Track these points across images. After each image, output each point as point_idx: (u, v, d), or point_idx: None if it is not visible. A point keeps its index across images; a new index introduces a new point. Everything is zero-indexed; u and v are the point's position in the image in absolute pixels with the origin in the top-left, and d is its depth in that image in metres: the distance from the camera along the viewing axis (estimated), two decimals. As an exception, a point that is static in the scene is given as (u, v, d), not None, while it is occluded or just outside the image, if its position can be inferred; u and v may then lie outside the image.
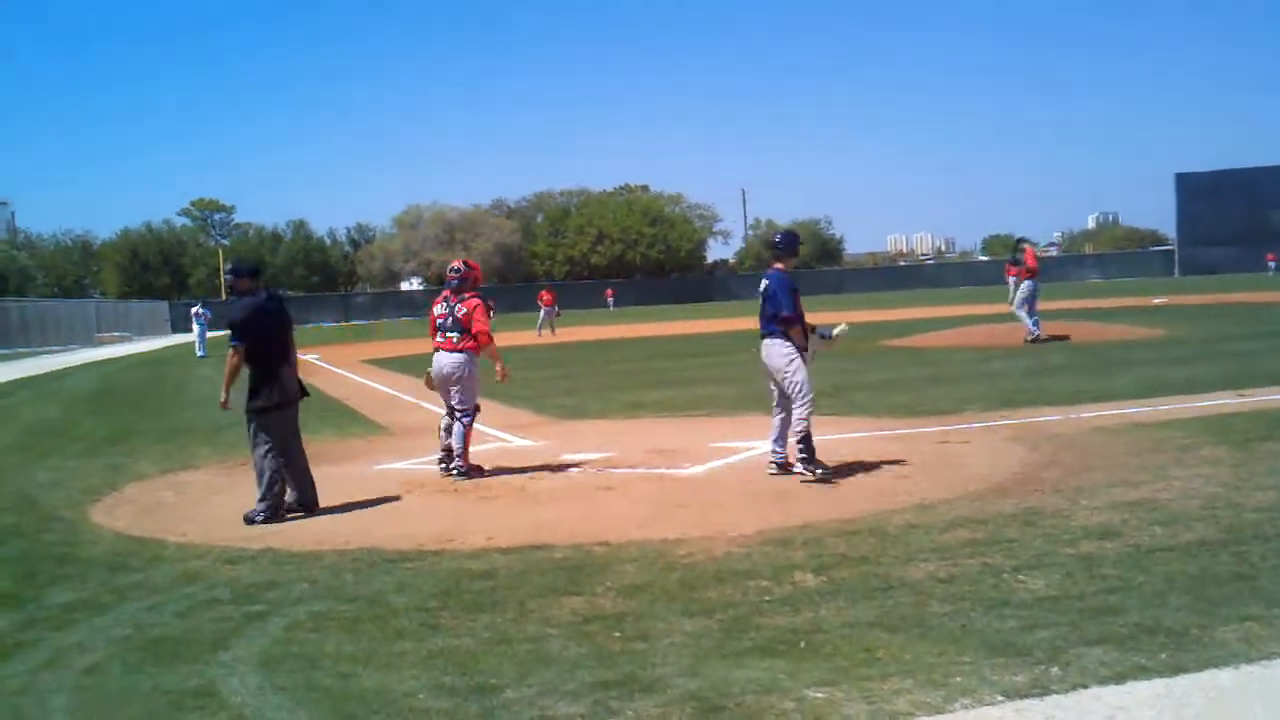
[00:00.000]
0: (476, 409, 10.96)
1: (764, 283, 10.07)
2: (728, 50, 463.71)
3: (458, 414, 10.79)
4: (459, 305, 10.80)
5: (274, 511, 9.27)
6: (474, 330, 10.70)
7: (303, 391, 9.73)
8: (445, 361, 10.75)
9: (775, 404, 10.08)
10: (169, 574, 7.63)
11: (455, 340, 10.73)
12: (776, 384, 9.98)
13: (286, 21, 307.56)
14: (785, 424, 9.92)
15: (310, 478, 9.56)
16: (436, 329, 10.91)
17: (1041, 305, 25.74)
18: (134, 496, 11.01)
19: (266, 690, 5.18)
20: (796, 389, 9.74)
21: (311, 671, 5.41)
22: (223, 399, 9.76)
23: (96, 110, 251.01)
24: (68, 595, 7.20)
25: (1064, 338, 24.86)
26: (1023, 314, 24.76)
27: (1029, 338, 24.26)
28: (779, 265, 10.09)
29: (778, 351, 9.86)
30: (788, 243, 10.37)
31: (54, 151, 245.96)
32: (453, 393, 10.81)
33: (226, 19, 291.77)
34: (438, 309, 10.94)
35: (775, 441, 10.05)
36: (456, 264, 11.19)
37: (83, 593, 7.24)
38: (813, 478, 9.53)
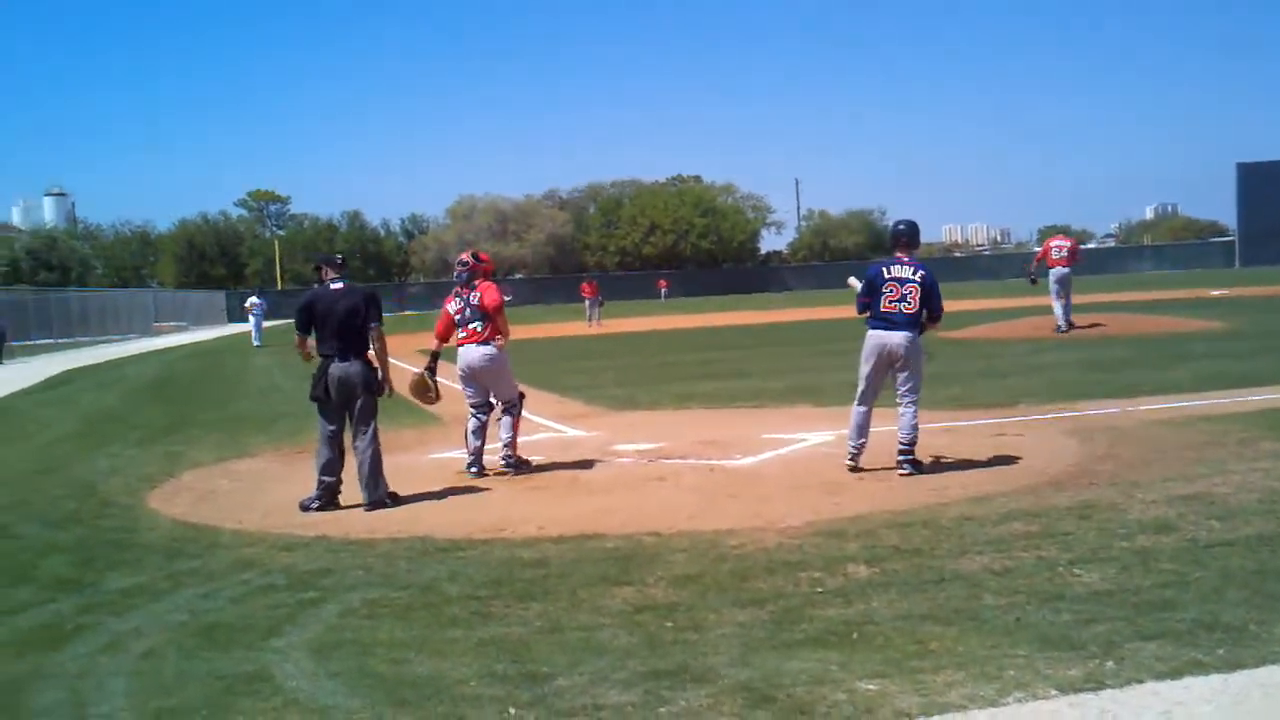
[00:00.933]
0: (521, 396, 10.75)
1: (915, 271, 9.58)
2: (781, 39, 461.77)
3: (504, 406, 10.53)
4: (473, 294, 10.43)
5: (324, 500, 9.34)
6: (485, 303, 10.33)
7: (365, 388, 9.39)
8: (475, 355, 10.36)
9: (865, 398, 9.73)
10: (225, 560, 7.72)
11: (480, 330, 10.35)
12: (894, 378, 9.67)
13: (342, 14, 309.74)
14: (869, 418, 9.70)
15: (364, 473, 9.32)
16: (455, 324, 10.49)
17: (1096, 297, 25.62)
18: (191, 484, 11.14)
19: (320, 676, 5.23)
20: (919, 386, 9.70)
21: (364, 658, 5.46)
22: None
23: (155, 103, 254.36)
24: (126, 581, 7.30)
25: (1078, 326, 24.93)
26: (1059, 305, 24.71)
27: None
28: (902, 255, 9.76)
29: (919, 349, 9.66)
30: (913, 231, 10.02)
31: (114, 144, 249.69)
32: (491, 389, 10.49)
33: (283, 12, 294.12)
34: (451, 305, 10.54)
35: (856, 434, 9.70)
36: (464, 256, 10.75)
37: (140, 578, 7.34)
38: (912, 474, 9.43)
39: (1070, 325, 24.56)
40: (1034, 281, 25.31)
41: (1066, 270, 24.37)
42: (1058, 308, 24.62)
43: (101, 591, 7.08)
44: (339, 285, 9.54)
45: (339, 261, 9.88)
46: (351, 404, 9.38)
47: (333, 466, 9.42)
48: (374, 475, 9.30)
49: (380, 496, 9.29)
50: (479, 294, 10.40)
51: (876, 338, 9.61)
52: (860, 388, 9.76)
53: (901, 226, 10.08)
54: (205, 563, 7.70)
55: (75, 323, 58.59)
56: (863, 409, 9.72)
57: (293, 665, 5.40)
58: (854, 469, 9.66)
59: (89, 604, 6.79)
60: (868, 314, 9.71)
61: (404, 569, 7.21)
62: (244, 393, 22.81)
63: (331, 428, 9.47)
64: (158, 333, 67.28)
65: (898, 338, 9.53)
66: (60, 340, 53.01)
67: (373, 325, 9.39)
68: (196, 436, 15.04)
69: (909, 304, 9.53)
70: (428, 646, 5.58)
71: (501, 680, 5.03)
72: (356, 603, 6.47)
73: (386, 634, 5.83)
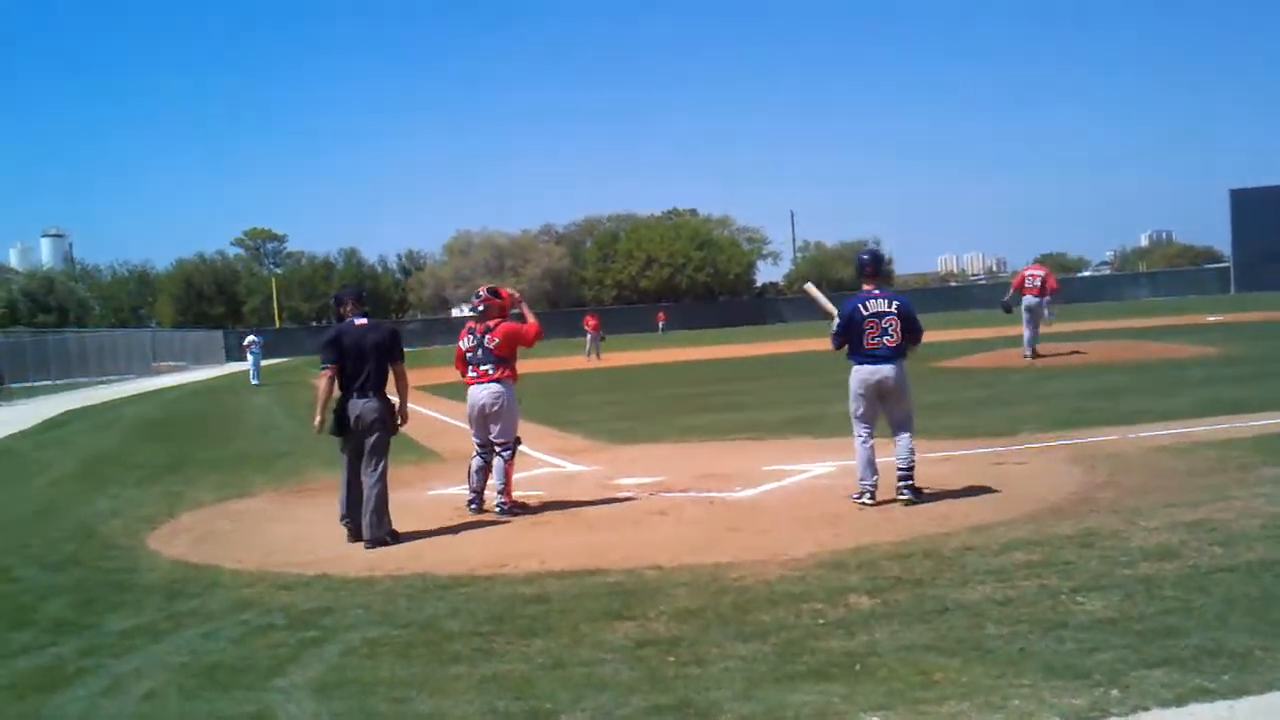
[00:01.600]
0: (518, 441, 10.53)
1: (890, 303, 9.63)
2: (774, 71, 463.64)
3: (498, 449, 10.32)
4: (488, 336, 10.28)
5: (350, 534, 9.45)
6: (529, 338, 10.35)
7: (382, 424, 9.45)
8: (482, 395, 10.23)
9: (867, 432, 9.70)
10: (225, 601, 7.70)
11: (490, 372, 10.22)
12: (886, 409, 9.73)
13: (336, 51, 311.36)
14: (874, 452, 9.65)
15: (369, 509, 9.35)
16: (465, 363, 10.42)
17: (1092, 324, 25.96)
18: (190, 524, 11.12)
19: (322, 716, 5.22)
20: (912, 412, 9.83)
21: (366, 697, 5.44)
22: (315, 420, 9.68)
23: (151, 144, 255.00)
24: (126, 622, 7.28)
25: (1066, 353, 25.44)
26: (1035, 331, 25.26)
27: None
28: (870, 286, 9.79)
29: (905, 375, 9.72)
30: (877, 260, 10.13)
31: (110, 185, 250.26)
32: (492, 427, 10.31)
33: (278, 51, 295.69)
34: (464, 342, 10.44)
35: (867, 470, 9.64)
36: (482, 291, 10.64)
37: (140, 619, 7.32)
38: (913, 500, 9.46)
39: (1034, 354, 25.03)
40: (1008, 310, 25.71)
41: (1036, 300, 24.82)
42: (1025, 335, 25.16)
43: (102, 633, 7.06)
44: (363, 320, 9.60)
45: (362, 296, 9.91)
46: (366, 440, 9.41)
47: (354, 509, 9.49)
48: (378, 513, 9.32)
49: (382, 535, 9.29)
50: (496, 339, 10.25)
51: (864, 373, 9.62)
52: (857, 425, 9.76)
53: (866, 257, 10.14)
54: (205, 603, 7.68)
55: (74, 364, 58.59)
56: (867, 445, 9.67)
57: (295, 705, 5.38)
58: (875, 504, 9.54)
59: (89, 646, 6.77)
60: (845, 349, 9.71)
61: (404, 607, 7.19)
62: (243, 432, 22.82)
63: (351, 463, 9.54)
64: (156, 372, 67.27)
65: (886, 370, 9.58)
66: (59, 381, 53.01)
67: (397, 362, 9.48)
68: (196, 476, 15.02)
69: (891, 337, 9.58)
70: (429, 684, 5.57)
71: (504, 717, 5.02)
72: (357, 641, 6.45)
73: (388, 672, 5.81)
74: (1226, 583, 6.41)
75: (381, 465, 9.42)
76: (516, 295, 10.76)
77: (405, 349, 9.94)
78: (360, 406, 9.38)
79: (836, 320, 9.82)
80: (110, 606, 7.77)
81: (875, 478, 9.60)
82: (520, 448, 10.73)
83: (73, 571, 9.16)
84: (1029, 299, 24.71)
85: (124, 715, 5.43)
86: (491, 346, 10.24)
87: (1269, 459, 10.28)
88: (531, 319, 10.56)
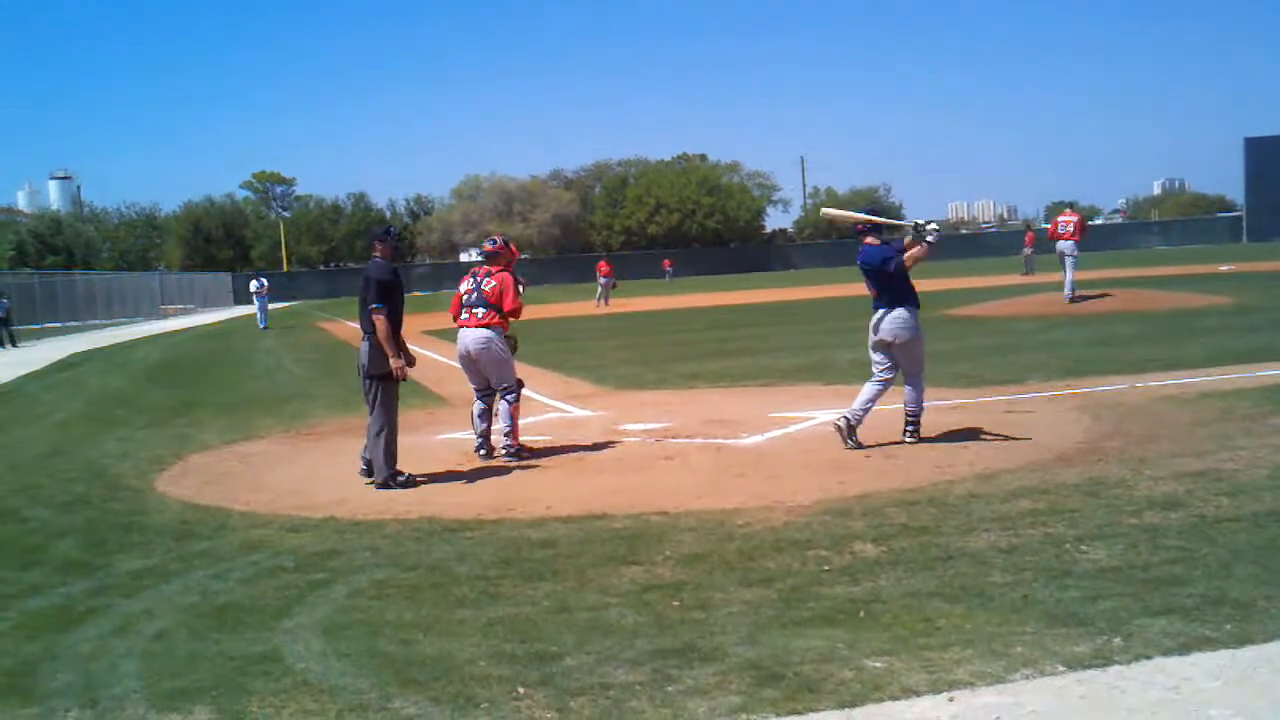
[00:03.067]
0: (520, 384, 10.55)
1: (882, 260, 9.89)
2: (785, 15, 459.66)
3: (501, 393, 10.35)
4: (486, 280, 10.32)
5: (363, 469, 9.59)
6: (506, 308, 10.23)
7: (364, 368, 9.50)
8: (470, 339, 10.20)
9: (882, 373, 9.95)
10: (234, 542, 7.75)
11: (480, 315, 10.19)
12: (893, 355, 9.91)
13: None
14: (879, 394, 9.89)
15: (373, 451, 9.51)
16: (461, 305, 10.41)
17: (1106, 273, 26.07)
18: (199, 466, 11.17)
19: (329, 656, 5.25)
20: (922, 362, 10.03)
21: (373, 638, 5.48)
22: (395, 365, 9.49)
23: (160, 85, 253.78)
24: (136, 563, 7.33)
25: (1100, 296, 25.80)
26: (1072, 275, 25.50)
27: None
28: (873, 240, 10.04)
29: (906, 323, 9.86)
30: (875, 224, 10.27)
31: (119, 126, 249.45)
32: (488, 372, 10.32)
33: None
34: (464, 285, 10.48)
35: (857, 406, 9.86)
36: (497, 237, 10.74)
37: (150, 561, 7.37)
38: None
39: (1075, 298, 25.23)
40: (1028, 272, 25.69)
41: (1071, 244, 24.87)
42: (1068, 279, 25.33)
43: (112, 574, 7.10)
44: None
45: (376, 237, 9.88)
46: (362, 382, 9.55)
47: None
48: (376, 457, 9.39)
49: (385, 478, 9.33)
50: (493, 282, 10.28)
51: (874, 319, 9.95)
52: (873, 366, 10.03)
53: (863, 228, 10.25)
54: (214, 544, 7.72)
55: (82, 306, 58.60)
56: (876, 385, 9.93)
57: (302, 646, 5.42)
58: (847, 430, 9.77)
59: (100, 586, 6.82)
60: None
61: (412, 549, 7.22)
62: (251, 375, 22.86)
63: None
64: (164, 315, 67.40)
65: (885, 322, 9.85)
66: (68, 324, 53.04)
67: (372, 307, 9.36)
68: (204, 419, 15.06)
69: (878, 288, 9.93)
70: (436, 627, 5.60)
71: (510, 660, 5.05)
72: (365, 583, 6.49)
73: (395, 615, 5.85)
74: (1231, 532, 6.42)
75: (376, 409, 9.42)
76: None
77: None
78: (359, 349, 9.54)
79: (904, 233, 10.22)
80: (120, 547, 7.82)
81: (865, 409, 9.88)
82: (525, 391, 10.74)
83: (82, 512, 9.21)
84: (1064, 244, 24.85)
85: (134, 655, 5.47)
86: (487, 289, 10.26)
87: (1276, 409, 10.27)
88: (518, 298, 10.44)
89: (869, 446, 9.65)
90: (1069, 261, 24.99)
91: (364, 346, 9.44)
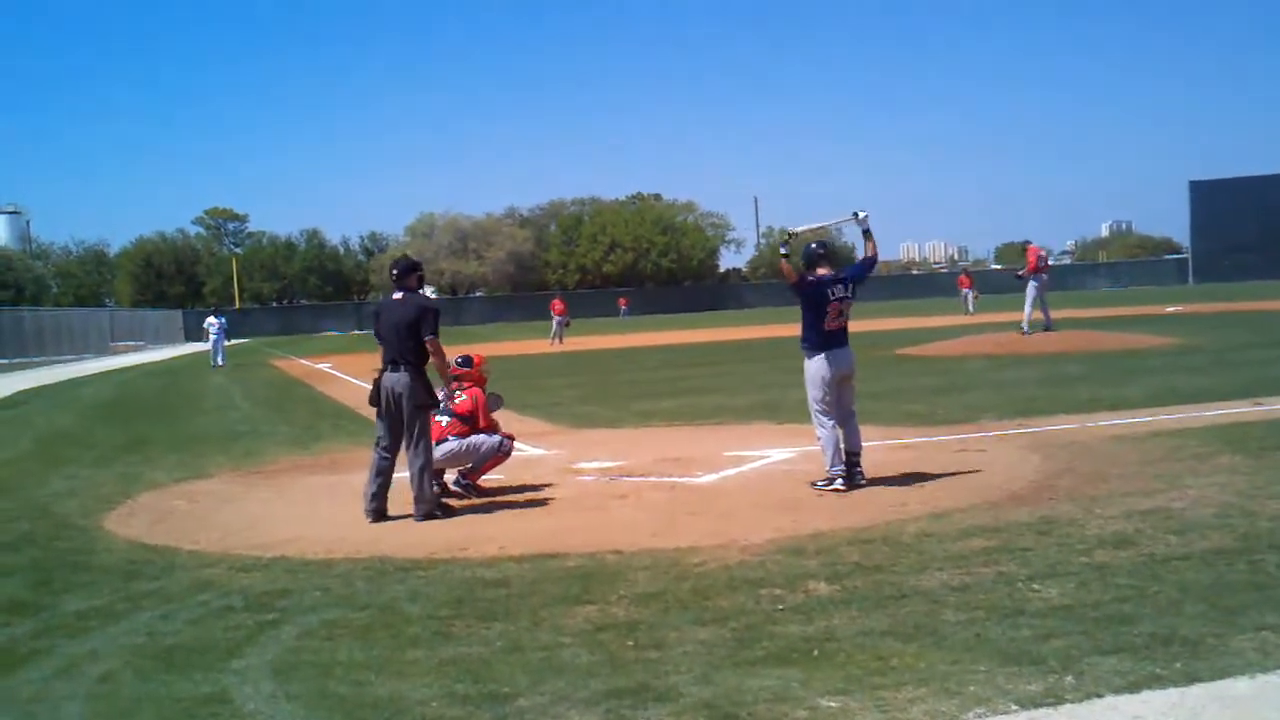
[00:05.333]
0: (511, 438, 10.55)
1: (846, 286, 9.76)
2: (739, 57, 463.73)
3: (502, 440, 10.31)
4: (458, 393, 10.31)
5: (371, 516, 9.50)
6: (481, 425, 10.19)
7: (411, 399, 9.43)
8: (438, 452, 9.91)
9: (831, 422, 9.69)
10: (182, 582, 7.65)
11: (444, 424, 10.07)
12: (845, 393, 9.81)
13: (297, 30, 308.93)
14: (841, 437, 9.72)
15: (413, 484, 9.53)
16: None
17: (1053, 313, 26.74)
18: (148, 505, 11.03)
19: (279, 698, 5.19)
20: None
21: (324, 679, 5.41)
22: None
23: (110, 119, 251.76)
24: (82, 603, 7.21)
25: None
26: (1027, 308, 26.46)
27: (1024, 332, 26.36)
28: (825, 271, 9.85)
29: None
30: (826, 250, 10.18)
31: (68, 161, 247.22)
32: (464, 464, 10.25)
33: (236, 27, 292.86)
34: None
35: (838, 457, 9.65)
36: (459, 357, 10.60)
37: (96, 601, 7.25)
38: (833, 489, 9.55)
39: (1044, 328, 26.40)
40: (1019, 278, 27.00)
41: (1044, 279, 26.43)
42: (1044, 311, 26.44)
43: (57, 614, 6.99)
44: (399, 295, 9.71)
45: (404, 271, 9.88)
46: (401, 416, 9.48)
47: (378, 491, 9.52)
48: (428, 487, 9.45)
49: (430, 509, 9.38)
50: (463, 396, 10.29)
51: (832, 359, 9.65)
52: (823, 409, 9.72)
53: (816, 247, 10.10)
54: (163, 584, 7.62)
55: (30, 342, 57.90)
56: (837, 429, 9.69)
57: (251, 687, 5.35)
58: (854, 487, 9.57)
59: (44, 627, 6.71)
60: (803, 327, 9.74)
61: (363, 589, 7.16)
62: (202, 412, 22.63)
63: (382, 439, 9.58)
64: (114, 352, 66.55)
65: (848, 355, 9.79)
66: (14, 360, 52.37)
67: (427, 337, 9.46)
68: (154, 457, 14.89)
69: (846, 318, 9.80)
70: (388, 667, 5.55)
71: (463, 701, 5.01)
72: (315, 624, 6.42)
73: (346, 655, 5.79)
74: (1180, 570, 6.48)
75: (419, 442, 9.45)
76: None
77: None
78: (392, 380, 9.49)
79: (813, 244, 10.15)
80: (66, 587, 7.69)
81: (843, 464, 9.63)
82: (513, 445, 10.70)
83: (27, 551, 9.06)
84: (1043, 277, 26.17)
85: (78, 697, 5.38)
86: (457, 403, 10.26)
87: (1223, 448, 10.40)
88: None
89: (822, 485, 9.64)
90: (1033, 294, 26.13)
91: (401, 378, 9.43)
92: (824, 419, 9.71)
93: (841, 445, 9.67)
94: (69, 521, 10.28)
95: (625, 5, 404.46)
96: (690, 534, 8.18)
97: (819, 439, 9.75)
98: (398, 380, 9.46)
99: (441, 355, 9.62)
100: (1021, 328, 26.51)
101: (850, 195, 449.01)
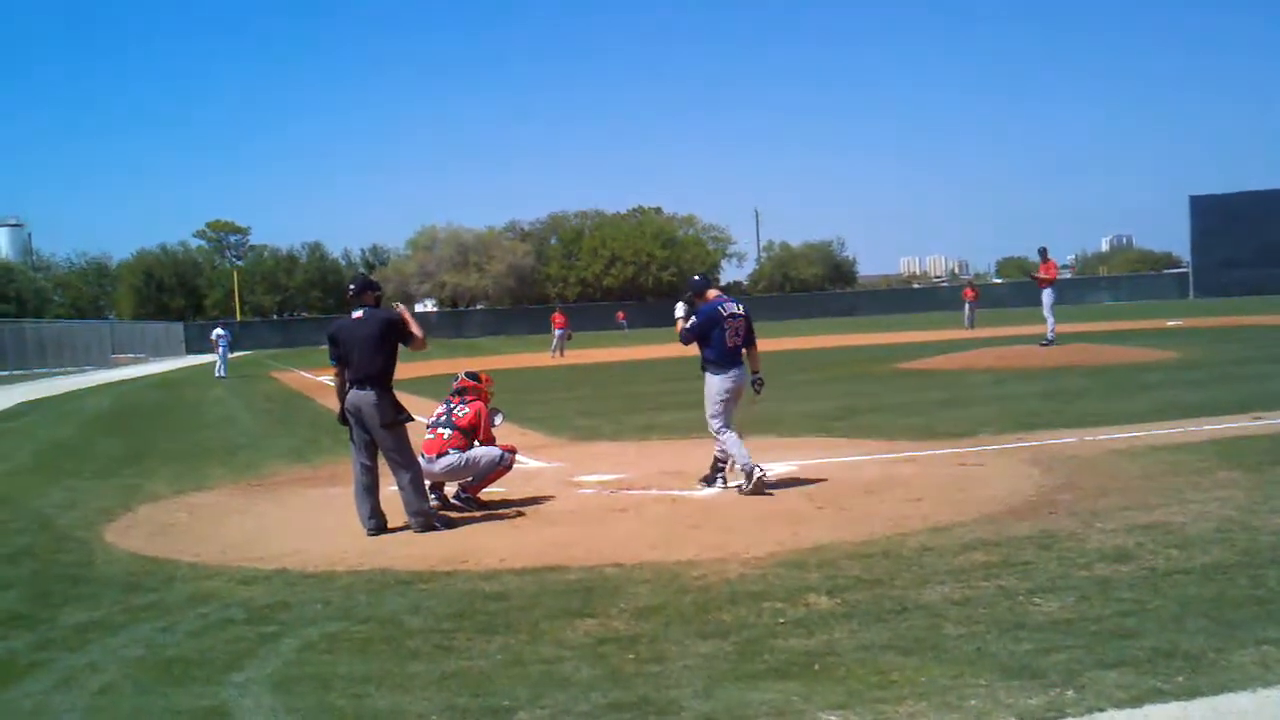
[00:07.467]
0: (512, 450, 10.63)
1: (739, 305, 10.72)
2: (742, 72, 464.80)
3: (503, 454, 10.37)
4: (460, 406, 10.42)
5: (371, 530, 9.50)
6: (480, 438, 10.29)
7: (380, 418, 9.41)
8: (438, 467, 10.09)
9: (729, 425, 10.58)
10: (182, 594, 7.64)
11: (445, 436, 10.17)
12: (736, 407, 10.68)
13: (299, 43, 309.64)
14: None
15: (405, 500, 9.57)
16: (428, 425, 10.42)
17: (1058, 328, 27.06)
18: (148, 517, 11.03)
19: (279, 711, 5.18)
20: None
21: (325, 692, 5.41)
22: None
23: (112, 133, 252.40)
24: (81, 616, 7.21)
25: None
26: (1049, 317, 27.23)
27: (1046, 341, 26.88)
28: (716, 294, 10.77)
29: None
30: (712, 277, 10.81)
31: (70, 174, 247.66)
32: (465, 478, 10.31)
33: (239, 41, 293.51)
34: (438, 408, 10.59)
35: (745, 452, 10.41)
36: (463, 372, 10.84)
37: (96, 613, 7.25)
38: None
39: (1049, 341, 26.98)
40: (1034, 278, 27.82)
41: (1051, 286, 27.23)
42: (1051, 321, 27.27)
43: (56, 627, 6.98)
44: (359, 313, 9.65)
45: (359, 287, 9.86)
46: (374, 434, 9.47)
47: (370, 511, 9.52)
48: (420, 499, 9.46)
49: (428, 520, 9.40)
50: (466, 410, 10.37)
51: (733, 377, 10.55)
52: (722, 421, 10.56)
53: (699, 279, 11.16)
54: (163, 596, 7.61)
55: (31, 354, 57.99)
56: (736, 433, 10.50)
57: (251, 701, 5.34)
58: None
59: (43, 640, 6.70)
60: (705, 348, 10.63)
61: (364, 602, 7.16)
62: (202, 424, 22.64)
63: (360, 458, 9.58)
64: (115, 364, 66.58)
65: (743, 373, 10.62)
66: (15, 372, 52.43)
67: (406, 343, 9.55)
68: (154, 469, 14.89)
69: (740, 337, 10.57)
70: (388, 680, 5.54)
71: (463, 714, 5.00)
72: (316, 636, 6.42)
73: (346, 668, 5.79)
74: (1181, 585, 6.47)
75: (400, 459, 9.44)
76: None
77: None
78: (358, 399, 9.44)
79: (691, 319, 10.71)
80: (65, 599, 7.69)
81: (748, 458, 10.32)
82: (515, 458, 10.78)
83: (26, 564, 9.06)
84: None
85: (77, 710, 5.38)
86: (459, 415, 10.35)
87: (1224, 463, 10.39)
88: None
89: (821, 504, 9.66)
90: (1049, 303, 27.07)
91: (367, 396, 9.40)
92: (724, 428, 10.49)
93: (742, 443, 10.37)
94: (69, 533, 10.28)
95: (626, 19, 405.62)
96: (691, 547, 8.18)
97: (723, 445, 10.54)
98: (364, 399, 9.41)
99: (421, 337, 9.63)
100: (1047, 337, 26.96)
101: (851, 208, 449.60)
